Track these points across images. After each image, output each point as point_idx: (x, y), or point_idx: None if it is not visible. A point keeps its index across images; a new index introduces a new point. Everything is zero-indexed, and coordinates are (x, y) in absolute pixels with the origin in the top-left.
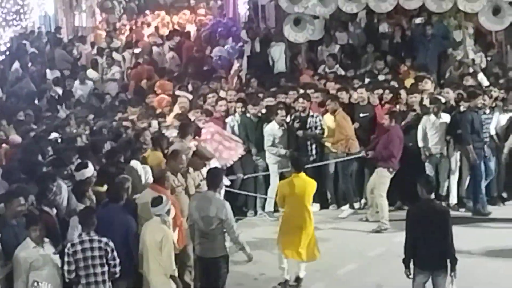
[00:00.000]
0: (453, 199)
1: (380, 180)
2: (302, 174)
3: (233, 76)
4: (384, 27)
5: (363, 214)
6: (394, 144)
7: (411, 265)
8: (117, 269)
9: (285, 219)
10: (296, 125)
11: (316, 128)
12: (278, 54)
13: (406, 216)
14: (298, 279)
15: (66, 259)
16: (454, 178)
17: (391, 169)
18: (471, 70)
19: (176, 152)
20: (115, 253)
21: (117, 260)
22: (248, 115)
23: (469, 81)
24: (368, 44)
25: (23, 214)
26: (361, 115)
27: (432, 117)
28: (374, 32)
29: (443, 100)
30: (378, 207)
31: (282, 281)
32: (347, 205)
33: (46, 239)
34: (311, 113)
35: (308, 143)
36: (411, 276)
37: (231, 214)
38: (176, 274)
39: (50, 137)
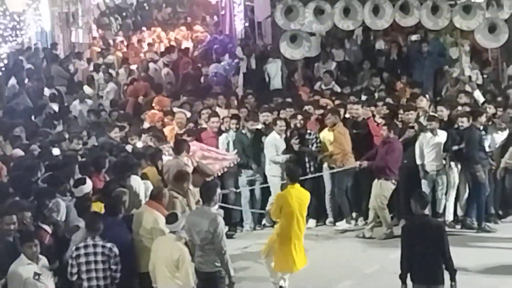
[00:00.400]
0: (449, 216)
1: (383, 192)
2: (297, 185)
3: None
4: (380, 44)
5: (359, 230)
6: (394, 154)
7: (408, 281)
8: (118, 274)
9: (282, 231)
10: (295, 141)
11: (313, 145)
12: (274, 70)
13: (401, 231)
14: None
15: (70, 261)
16: (452, 195)
17: (393, 181)
18: (467, 87)
19: (182, 173)
20: (118, 258)
21: (119, 266)
22: (243, 131)
23: (462, 99)
24: (364, 61)
25: (18, 230)
26: (355, 131)
27: (428, 134)
28: (370, 49)
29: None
30: (381, 219)
31: None
32: (343, 221)
33: (41, 256)
34: (308, 130)
35: (306, 159)
36: None
37: (222, 228)
38: None
39: (52, 153)
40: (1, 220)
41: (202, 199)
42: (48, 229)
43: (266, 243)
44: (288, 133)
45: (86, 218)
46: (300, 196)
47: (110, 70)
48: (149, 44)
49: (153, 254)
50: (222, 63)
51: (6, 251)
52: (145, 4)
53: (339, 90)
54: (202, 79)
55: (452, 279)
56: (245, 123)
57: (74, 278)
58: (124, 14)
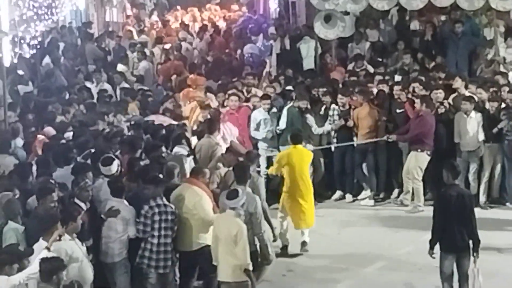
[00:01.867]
0: (482, 198)
1: (417, 163)
2: (299, 146)
3: (265, 77)
4: (415, 25)
5: (390, 209)
6: (426, 127)
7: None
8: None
9: (288, 190)
10: (336, 117)
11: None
12: (306, 51)
13: (434, 200)
14: (304, 243)
15: (142, 220)
16: (485, 177)
17: (428, 152)
18: (502, 68)
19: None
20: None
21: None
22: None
23: (500, 81)
24: (399, 41)
25: (61, 209)
26: (398, 111)
27: (463, 115)
28: (405, 29)
29: (475, 99)
30: (414, 191)
31: (283, 246)
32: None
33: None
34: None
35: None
36: (434, 255)
37: (260, 208)
38: (251, 268)
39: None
40: (44, 199)
41: (237, 179)
42: (83, 206)
43: (280, 204)
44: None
45: (154, 179)
46: (302, 155)
47: (145, 50)
48: (183, 24)
49: (214, 231)
50: (257, 44)
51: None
52: None
53: (372, 70)
54: (233, 62)
55: (476, 249)
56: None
57: (146, 235)
58: None
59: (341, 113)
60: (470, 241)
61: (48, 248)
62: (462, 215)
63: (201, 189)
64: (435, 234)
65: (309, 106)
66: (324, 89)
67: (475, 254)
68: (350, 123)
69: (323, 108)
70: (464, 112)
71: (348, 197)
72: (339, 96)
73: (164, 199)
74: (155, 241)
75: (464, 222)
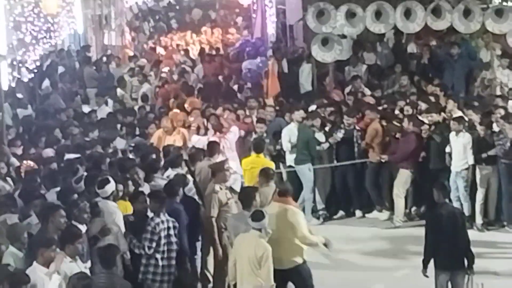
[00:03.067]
0: (478, 220)
1: (400, 180)
2: (261, 155)
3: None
4: (412, 48)
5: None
6: (410, 145)
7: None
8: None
9: None
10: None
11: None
12: (305, 74)
13: (425, 220)
14: None
15: (148, 236)
16: (478, 198)
17: (412, 170)
18: (498, 91)
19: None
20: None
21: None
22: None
23: (499, 103)
24: (396, 64)
25: (65, 229)
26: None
27: (453, 134)
28: (402, 52)
29: (465, 119)
30: (394, 205)
31: None
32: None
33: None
34: (356, 127)
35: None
36: (427, 274)
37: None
38: None
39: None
40: (53, 216)
41: (242, 204)
42: (82, 228)
43: None
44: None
45: (158, 196)
46: (263, 163)
47: (143, 72)
48: (180, 47)
49: (235, 250)
50: (256, 60)
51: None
52: (177, 7)
53: (369, 93)
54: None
55: (470, 266)
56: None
57: (151, 251)
58: (157, 17)
59: (345, 133)
60: (465, 259)
61: (58, 272)
62: (454, 232)
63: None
64: (427, 253)
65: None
66: (332, 109)
67: (469, 271)
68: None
69: (327, 128)
70: (456, 132)
71: (358, 213)
72: (345, 117)
73: (166, 214)
74: (160, 256)
75: (456, 239)
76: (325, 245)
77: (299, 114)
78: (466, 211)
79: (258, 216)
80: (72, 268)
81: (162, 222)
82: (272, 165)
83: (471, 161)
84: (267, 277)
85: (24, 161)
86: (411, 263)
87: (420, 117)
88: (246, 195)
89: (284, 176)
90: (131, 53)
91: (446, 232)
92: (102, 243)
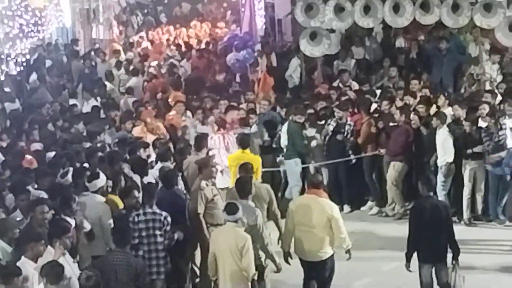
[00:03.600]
0: (465, 215)
1: (394, 172)
2: (247, 151)
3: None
4: (400, 42)
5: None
6: (402, 137)
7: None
8: (172, 242)
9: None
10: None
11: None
12: (293, 68)
13: (409, 212)
14: None
15: (131, 226)
16: (465, 193)
17: (403, 161)
18: (488, 86)
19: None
20: (169, 227)
21: (171, 234)
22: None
23: (488, 99)
24: (384, 58)
25: (51, 223)
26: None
27: (440, 129)
28: (390, 47)
29: (448, 115)
30: (394, 199)
31: None
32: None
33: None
34: (348, 121)
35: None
36: (411, 269)
37: (261, 220)
38: (256, 278)
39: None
40: (34, 212)
41: (239, 194)
42: (72, 222)
43: None
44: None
45: (144, 189)
46: (249, 160)
47: (131, 67)
48: (168, 41)
49: (213, 245)
50: (241, 53)
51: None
52: (165, 1)
53: (357, 87)
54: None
55: (455, 258)
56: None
57: (135, 241)
58: (145, 10)
59: (336, 127)
60: (449, 251)
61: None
62: (437, 225)
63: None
64: (410, 246)
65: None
66: (324, 104)
67: (454, 262)
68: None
69: (322, 123)
70: (438, 127)
71: (346, 208)
72: (336, 110)
73: (154, 207)
74: (146, 248)
75: (439, 232)
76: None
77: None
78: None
79: (232, 209)
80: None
81: (145, 214)
82: (258, 160)
83: (449, 158)
84: (249, 266)
85: (27, 156)
86: (399, 258)
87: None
88: (243, 185)
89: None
90: (119, 47)
91: (429, 225)
92: None
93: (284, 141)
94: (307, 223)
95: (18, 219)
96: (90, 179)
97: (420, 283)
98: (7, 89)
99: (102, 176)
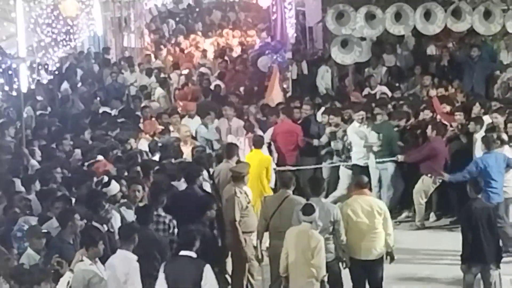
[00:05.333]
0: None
1: (423, 187)
2: (260, 151)
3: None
4: (431, 50)
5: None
6: (432, 152)
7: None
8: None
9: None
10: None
11: None
12: (321, 75)
13: (462, 214)
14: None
15: None
16: None
17: (432, 177)
18: None
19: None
20: (176, 230)
21: (175, 237)
22: None
23: None
24: (415, 66)
25: (83, 231)
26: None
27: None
28: (421, 54)
29: (486, 122)
30: (416, 211)
31: None
32: None
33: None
34: None
35: None
36: (464, 270)
37: (340, 215)
38: (326, 279)
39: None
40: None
41: (312, 192)
42: (102, 229)
43: None
44: None
45: (151, 191)
46: (259, 159)
47: (162, 75)
48: (199, 49)
49: (287, 242)
50: (273, 57)
51: (68, 252)
52: (197, 9)
53: (389, 93)
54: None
55: (499, 259)
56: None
57: None
58: (176, 19)
59: None
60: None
61: (71, 270)
62: (486, 227)
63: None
64: (465, 248)
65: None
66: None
67: (498, 263)
68: None
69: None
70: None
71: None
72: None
73: (160, 210)
74: None
75: (489, 234)
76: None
77: (359, 114)
78: None
79: (309, 210)
80: (90, 271)
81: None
82: (269, 160)
83: None
84: (320, 266)
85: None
86: None
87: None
88: (315, 183)
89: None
90: (152, 55)
91: (478, 227)
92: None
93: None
94: (361, 221)
95: (55, 226)
96: (103, 187)
97: (463, 281)
98: (39, 98)
99: (114, 184)
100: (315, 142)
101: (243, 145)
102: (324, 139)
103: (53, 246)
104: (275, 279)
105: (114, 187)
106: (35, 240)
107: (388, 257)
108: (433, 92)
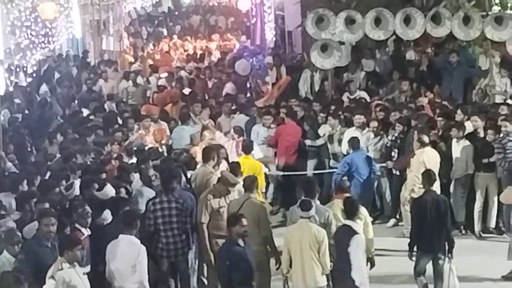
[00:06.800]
0: (476, 227)
1: (405, 191)
2: (250, 156)
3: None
4: (410, 55)
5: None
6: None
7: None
8: (188, 226)
9: None
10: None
11: None
12: (303, 80)
13: (412, 205)
14: None
15: (147, 215)
16: (477, 205)
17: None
18: (497, 98)
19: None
20: (188, 212)
21: (188, 219)
22: None
23: (504, 110)
24: (394, 71)
25: (62, 234)
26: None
27: (455, 141)
28: (400, 59)
29: (469, 128)
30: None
31: None
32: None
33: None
34: None
35: None
36: (414, 259)
37: (332, 218)
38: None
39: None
40: (40, 221)
41: (306, 194)
42: (85, 231)
43: None
44: None
45: (162, 178)
46: (251, 165)
47: (140, 78)
48: (177, 53)
49: (288, 242)
50: (250, 60)
51: (45, 256)
52: (176, 12)
53: (368, 98)
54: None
55: (450, 251)
56: None
57: (152, 228)
58: (155, 22)
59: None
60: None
61: (53, 277)
62: (437, 218)
63: None
64: (413, 237)
65: None
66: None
67: (449, 255)
68: None
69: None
70: (457, 139)
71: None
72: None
73: (170, 195)
74: (163, 234)
75: (439, 225)
76: None
77: (359, 118)
78: (463, 218)
79: (307, 205)
80: (70, 275)
81: (160, 202)
82: (259, 166)
83: (471, 169)
84: (327, 259)
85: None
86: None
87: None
88: (309, 186)
89: None
90: (131, 59)
91: (430, 218)
92: None
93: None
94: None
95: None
96: (100, 188)
97: (414, 270)
98: (17, 100)
99: (109, 187)
100: (308, 142)
101: (229, 149)
102: (320, 141)
103: (30, 250)
104: None
105: (110, 190)
106: (10, 245)
107: (369, 263)
108: (424, 100)
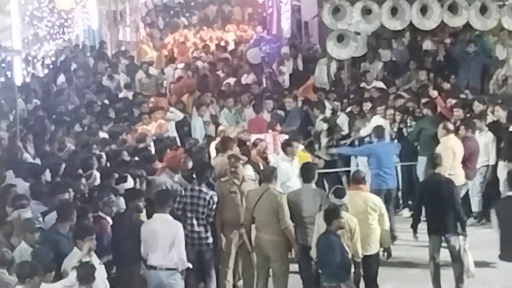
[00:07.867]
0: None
1: None
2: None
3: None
4: (427, 45)
5: None
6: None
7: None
8: (211, 219)
9: None
10: None
11: None
12: (319, 70)
13: (419, 188)
14: None
15: (177, 199)
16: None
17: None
18: None
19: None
20: (215, 206)
21: (213, 212)
22: None
23: None
24: (411, 61)
25: (76, 224)
26: None
27: (477, 132)
28: (417, 49)
29: (490, 118)
30: None
31: None
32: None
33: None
34: None
35: None
36: (418, 238)
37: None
38: None
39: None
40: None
41: (304, 179)
42: (109, 219)
43: None
44: None
45: (197, 167)
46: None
47: (153, 69)
48: (195, 43)
49: (319, 227)
50: (263, 49)
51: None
52: (192, 3)
53: (384, 87)
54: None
55: (463, 229)
56: None
57: (179, 213)
58: (171, 12)
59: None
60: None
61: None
62: (444, 199)
63: None
64: (414, 218)
65: None
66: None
67: (463, 233)
68: None
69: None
70: (479, 130)
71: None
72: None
73: (202, 185)
74: (189, 221)
75: (446, 205)
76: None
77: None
78: (476, 207)
79: (340, 193)
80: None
81: (192, 190)
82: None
83: (492, 160)
84: (358, 248)
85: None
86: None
87: None
88: (307, 171)
89: None
90: (148, 49)
91: (435, 199)
92: None
93: None
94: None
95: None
96: (118, 182)
97: (428, 249)
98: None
99: (130, 180)
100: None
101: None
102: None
103: (49, 239)
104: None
105: (130, 183)
106: (29, 234)
107: (386, 253)
108: (434, 93)
